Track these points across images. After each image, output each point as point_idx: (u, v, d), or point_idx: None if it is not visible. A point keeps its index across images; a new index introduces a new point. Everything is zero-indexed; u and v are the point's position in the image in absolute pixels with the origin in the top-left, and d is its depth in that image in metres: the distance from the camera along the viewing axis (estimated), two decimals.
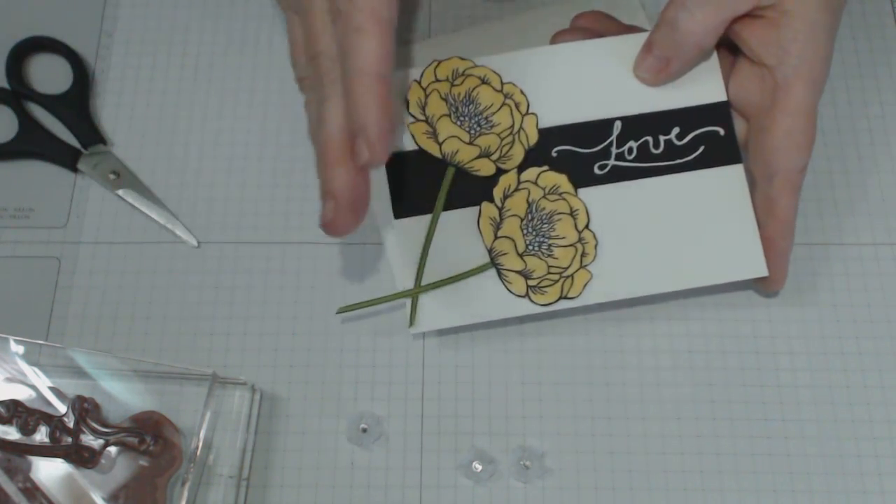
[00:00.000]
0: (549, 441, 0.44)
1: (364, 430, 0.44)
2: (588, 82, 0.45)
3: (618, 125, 0.44)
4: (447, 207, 0.44)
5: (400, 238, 0.44)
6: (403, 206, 0.44)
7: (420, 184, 0.44)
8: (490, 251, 0.44)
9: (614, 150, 0.44)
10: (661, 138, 0.44)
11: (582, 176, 0.44)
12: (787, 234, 0.44)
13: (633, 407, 0.45)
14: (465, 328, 0.46)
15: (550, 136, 0.44)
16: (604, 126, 0.44)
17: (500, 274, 0.44)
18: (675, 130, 0.44)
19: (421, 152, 0.44)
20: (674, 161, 0.44)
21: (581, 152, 0.44)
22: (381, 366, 0.46)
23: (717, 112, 0.45)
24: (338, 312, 0.45)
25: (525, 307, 0.44)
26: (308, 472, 0.44)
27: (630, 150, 0.44)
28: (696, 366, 0.46)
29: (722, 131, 0.45)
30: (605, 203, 0.44)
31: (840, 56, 0.52)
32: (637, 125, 0.44)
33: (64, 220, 0.49)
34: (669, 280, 0.44)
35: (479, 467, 0.43)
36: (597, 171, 0.44)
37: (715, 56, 0.45)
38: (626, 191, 0.44)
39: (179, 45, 0.53)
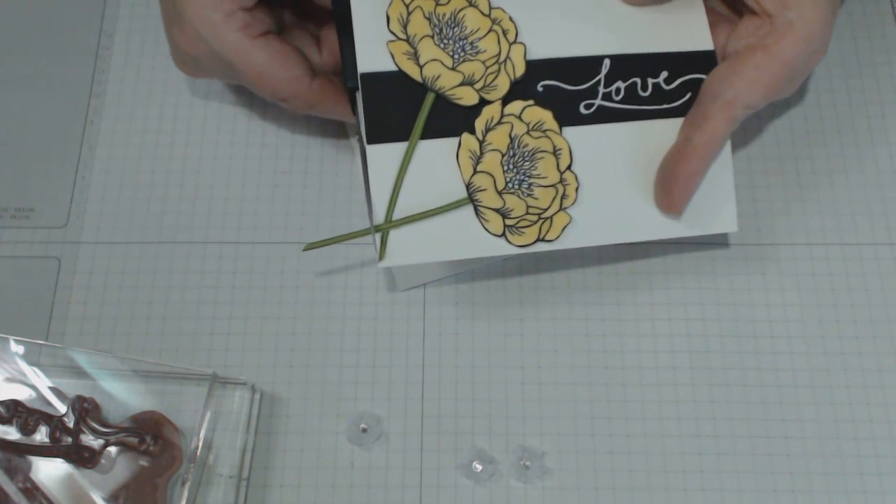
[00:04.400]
0: (549, 441, 0.44)
1: (364, 430, 0.44)
2: (579, 16, 0.43)
3: (606, 63, 0.43)
4: (425, 136, 0.42)
5: (373, 165, 0.41)
6: (378, 130, 0.41)
7: (397, 108, 0.42)
8: (468, 186, 0.42)
9: (601, 90, 0.43)
10: (650, 81, 0.43)
11: (567, 114, 0.43)
12: (703, 156, 0.42)
13: (633, 407, 0.45)
14: (466, 326, 0.46)
15: (538, 68, 0.43)
16: (592, 63, 0.43)
17: (477, 211, 0.42)
18: (664, 74, 0.43)
19: (400, 74, 0.41)
20: (661, 106, 0.43)
21: (568, 89, 0.43)
22: (381, 366, 0.46)
23: (705, 61, 0.44)
24: (304, 250, 0.44)
25: (501, 247, 0.42)
26: (308, 472, 0.44)
27: (618, 91, 0.43)
28: (696, 365, 0.46)
29: None
30: (589, 144, 0.43)
31: (840, 56, 0.52)
32: (626, 65, 0.43)
33: (64, 220, 0.49)
34: (646, 229, 0.43)
35: (479, 467, 0.43)
36: (583, 109, 0.43)
37: (702, 6, 0.44)
38: (610, 133, 0.43)
39: None
